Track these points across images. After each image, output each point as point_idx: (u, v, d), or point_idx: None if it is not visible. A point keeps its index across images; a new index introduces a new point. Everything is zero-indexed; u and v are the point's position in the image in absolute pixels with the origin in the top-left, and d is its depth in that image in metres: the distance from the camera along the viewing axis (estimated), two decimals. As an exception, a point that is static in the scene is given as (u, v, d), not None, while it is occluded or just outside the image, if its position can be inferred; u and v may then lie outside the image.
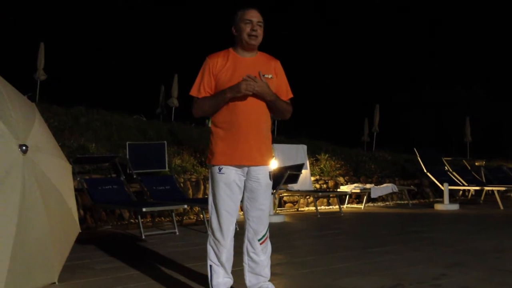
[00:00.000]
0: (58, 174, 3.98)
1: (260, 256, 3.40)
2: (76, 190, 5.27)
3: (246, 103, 3.26)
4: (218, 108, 3.28)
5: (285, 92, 3.47)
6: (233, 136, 3.27)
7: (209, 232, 3.40)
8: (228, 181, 3.29)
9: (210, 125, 3.39)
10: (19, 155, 3.58)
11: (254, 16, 3.27)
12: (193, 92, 3.34)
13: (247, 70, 3.27)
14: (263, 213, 3.40)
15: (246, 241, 3.42)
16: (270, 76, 3.35)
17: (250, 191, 3.35)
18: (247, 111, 3.27)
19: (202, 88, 3.31)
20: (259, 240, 3.39)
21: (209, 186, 3.39)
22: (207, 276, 3.41)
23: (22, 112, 3.91)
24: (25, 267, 3.56)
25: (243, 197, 3.38)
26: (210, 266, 3.38)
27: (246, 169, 3.32)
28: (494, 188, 11.07)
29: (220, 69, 3.29)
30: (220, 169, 3.29)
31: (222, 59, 3.32)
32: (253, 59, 3.36)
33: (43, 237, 3.68)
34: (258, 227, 3.39)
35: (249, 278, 3.43)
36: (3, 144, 3.53)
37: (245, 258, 3.42)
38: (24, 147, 3.63)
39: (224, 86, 3.26)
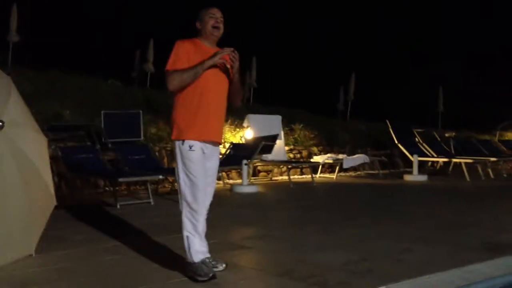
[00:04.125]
0: (35, 149, 4.03)
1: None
2: (51, 158, 5.30)
3: (215, 83, 3.55)
4: (195, 78, 3.46)
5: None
6: (205, 114, 3.52)
7: (184, 205, 3.52)
8: (200, 155, 3.51)
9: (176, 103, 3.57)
10: (-5, 131, 3.61)
11: (217, 12, 3.63)
12: (169, 66, 3.49)
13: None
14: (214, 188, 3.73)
15: None
16: None
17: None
18: (217, 91, 3.58)
19: (178, 63, 3.48)
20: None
21: (178, 161, 3.54)
22: (183, 247, 3.52)
23: (-3, 86, 3.91)
24: (4, 240, 3.64)
25: None
26: (187, 236, 3.50)
27: (209, 147, 3.57)
28: (461, 160, 11.36)
29: (193, 52, 3.53)
30: (191, 146, 3.48)
31: (192, 44, 3.58)
32: (216, 49, 3.62)
33: (21, 211, 3.75)
34: (209, 201, 3.65)
35: None
36: (-22, 119, 3.55)
37: None
38: (0, 123, 3.65)
39: None
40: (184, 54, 3.50)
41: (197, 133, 3.49)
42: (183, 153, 3.49)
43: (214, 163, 3.67)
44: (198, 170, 3.48)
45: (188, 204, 3.50)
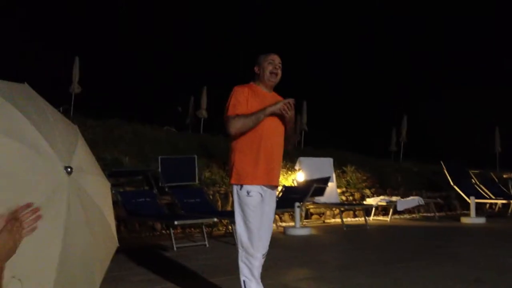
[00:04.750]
0: (99, 193, 4.24)
1: None
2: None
3: (273, 127, 3.63)
4: (257, 124, 3.53)
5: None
6: (265, 158, 3.58)
7: (240, 249, 3.58)
8: (257, 200, 3.55)
9: (233, 147, 3.65)
10: (64, 176, 3.84)
11: (275, 58, 3.72)
12: (230, 111, 3.56)
13: (271, 102, 3.64)
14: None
15: None
16: None
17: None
18: (275, 135, 3.65)
19: (239, 108, 3.56)
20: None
21: (236, 205, 3.61)
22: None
23: (66, 134, 4.19)
24: (70, 283, 3.82)
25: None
26: (244, 281, 3.55)
27: (267, 191, 3.62)
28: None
29: (251, 97, 3.62)
30: (249, 192, 3.53)
31: (250, 90, 3.67)
32: (272, 94, 3.77)
33: (87, 254, 3.93)
34: (266, 245, 3.67)
35: None
36: (50, 166, 3.79)
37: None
38: (69, 169, 3.90)
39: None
40: (243, 99, 3.58)
41: (257, 178, 3.54)
42: (241, 198, 3.54)
43: (271, 207, 3.70)
44: (255, 216, 3.52)
45: (244, 249, 3.54)
